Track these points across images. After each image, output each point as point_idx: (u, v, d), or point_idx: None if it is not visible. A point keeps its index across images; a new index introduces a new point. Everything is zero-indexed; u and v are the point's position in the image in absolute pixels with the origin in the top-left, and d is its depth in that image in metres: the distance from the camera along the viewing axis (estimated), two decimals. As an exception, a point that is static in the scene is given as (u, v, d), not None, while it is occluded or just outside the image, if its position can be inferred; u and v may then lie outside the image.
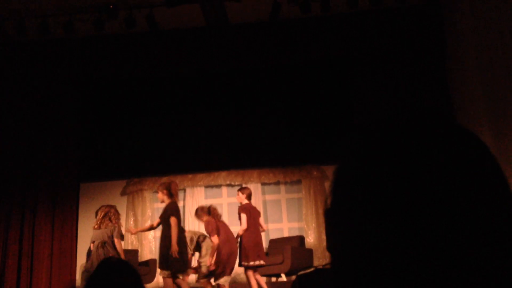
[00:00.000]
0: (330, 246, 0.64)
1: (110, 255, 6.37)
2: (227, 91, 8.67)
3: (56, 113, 8.41)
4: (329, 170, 9.00)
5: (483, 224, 0.56)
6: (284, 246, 8.17)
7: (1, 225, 7.98)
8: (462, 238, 0.55)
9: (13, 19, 7.50)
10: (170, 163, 8.62)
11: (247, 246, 6.93)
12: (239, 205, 7.27)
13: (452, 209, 0.55)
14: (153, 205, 9.52)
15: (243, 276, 7.47)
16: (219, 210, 9.45)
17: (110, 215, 6.87)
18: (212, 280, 7.22)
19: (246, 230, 6.95)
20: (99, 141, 8.63)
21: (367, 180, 0.59)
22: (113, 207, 7.14)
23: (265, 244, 8.94)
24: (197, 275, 7.51)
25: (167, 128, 8.62)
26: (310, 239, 9.18)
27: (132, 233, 8.23)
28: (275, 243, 8.74)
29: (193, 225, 9.43)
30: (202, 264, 7.31)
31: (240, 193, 7.25)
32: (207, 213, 7.30)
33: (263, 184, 9.59)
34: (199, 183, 9.57)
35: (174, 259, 6.56)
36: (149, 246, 9.55)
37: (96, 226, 6.87)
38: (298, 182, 9.53)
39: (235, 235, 7.23)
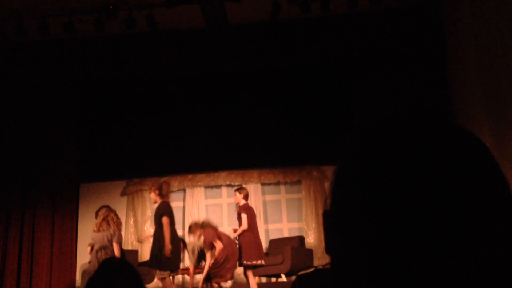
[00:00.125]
0: (330, 247, 0.64)
1: None
2: (227, 92, 8.67)
3: (56, 113, 8.41)
4: (329, 171, 9.01)
5: (483, 224, 0.56)
6: (284, 247, 8.18)
7: (1, 225, 7.98)
8: (462, 238, 0.55)
9: (13, 19, 7.50)
10: (170, 163, 8.62)
11: (247, 246, 6.94)
12: (238, 205, 7.29)
13: (452, 209, 0.55)
14: (153, 206, 9.51)
15: (243, 276, 7.48)
16: (219, 210, 9.47)
17: (108, 219, 6.88)
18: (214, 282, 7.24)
19: (246, 230, 6.97)
20: (99, 142, 8.62)
21: (367, 181, 0.59)
22: (112, 210, 7.15)
23: (265, 245, 8.94)
24: (194, 275, 7.55)
25: (167, 128, 8.62)
26: (310, 240, 9.18)
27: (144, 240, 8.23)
28: (275, 243, 8.74)
29: (193, 226, 9.43)
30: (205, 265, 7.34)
31: (237, 193, 7.26)
32: (201, 227, 7.36)
33: (263, 184, 9.60)
34: (199, 183, 9.58)
35: (166, 258, 6.59)
36: (149, 247, 9.54)
37: (95, 229, 6.88)
38: (298, 182, 9.54)
39: (232, 235, 7.30)
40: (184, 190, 9.67)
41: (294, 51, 8.05)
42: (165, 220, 6.67)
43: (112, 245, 6.74)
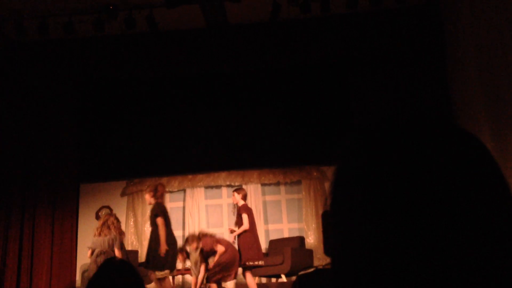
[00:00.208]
0: (329, 248, 0.64)
1: None
2: (227, 92, 8.67)
3: (56, 113, 8.42)
4: (329, 171, 9.01)
5: (482, 225, 0.56)
6: (284, 247, 8.18)
7: (1, 225, 7.98)
8: (462, 238, 0.55)
9: (13, 19, 7.50)
10: (170, 163, 8.62)
11: (248, 246, 6.96)
12: (236, 206, 7.31)
13: (451, 209, 0.55)
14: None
15: (241, 276, 7.49)
16: (219, 210, 9.47)
17: (109, 223, 6.90)
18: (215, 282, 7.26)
19: (246, 231, 6.99)
20: (99, 142, 8.62)
21: (367, 181, 0.59)
22: (113, 214, 7.18)
23: (265, 245, 8.94)
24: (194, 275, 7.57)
25: (167, 128, 8.62)
26: (310, 240, 9.18)
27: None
28: (275, 243, 8.74)
29: (193, 225, 9.44)
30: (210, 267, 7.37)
31: (236, 194, 7.28)
32: (198, 238, 7.39)
33: (263, 184, 9.60)
34: (199, 183, 9.58)
35: (162, 258, 6.63)
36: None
37: (96, 234, 6.90)
38: (298, 182, 9.54)
39: (229, 236, 7.35)
40: (184, 190, 9.67)
41: (294, 51, 8.05)
42: (159, 220, 6.72)
43: (112, 249, 6.77)
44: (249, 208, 7.28)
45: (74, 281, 8.09)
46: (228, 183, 9.57)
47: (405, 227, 0.55)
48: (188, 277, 8.93)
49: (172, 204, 9.67)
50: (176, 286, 8.85)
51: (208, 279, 7.27)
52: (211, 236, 7.53)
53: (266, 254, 8.45)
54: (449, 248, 0.54)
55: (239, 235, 7.07)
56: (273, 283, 8.42)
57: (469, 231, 0.55)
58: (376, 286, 0.56)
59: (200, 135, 8.54)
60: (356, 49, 7.96)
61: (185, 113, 8.64)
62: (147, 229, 9.64)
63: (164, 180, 9.46)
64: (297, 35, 8.03)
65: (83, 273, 8.21)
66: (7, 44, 8.09)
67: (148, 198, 7.01)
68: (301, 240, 8.70)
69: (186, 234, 9.36)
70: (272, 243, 8.80)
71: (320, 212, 9.18)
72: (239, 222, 7.11)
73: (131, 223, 9.63)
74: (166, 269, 6.77)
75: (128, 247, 9.33)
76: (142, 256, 9.15)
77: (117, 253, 6.81)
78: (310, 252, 8.57)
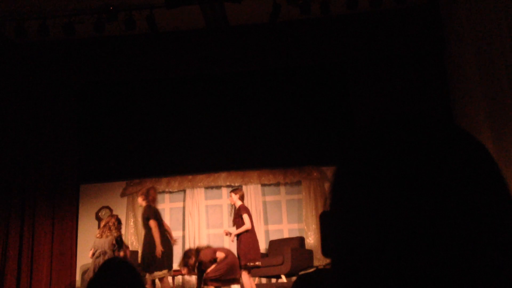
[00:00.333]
0: (328, 249, 0.64)
1: None
2: (226, 93, 8.67)
3: (56, 114, 8.42)
4: (329, 171, 9.01)
5: (482, 225, 0.56)
6: (284, 247, 8.17)
7: (1, 226, 7.98)
8: (462, 239, 0.55)
9: (13, 20, 7.50)
10: (170, 164, 8.62)
11: (247, 246, 6.95)
12: (234, 206, 7.32)
13: (451, 210, 0.56)
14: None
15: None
16: (219, 211, 9.46)
17: (110, 225, 7.01)
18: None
19: (247, 231, 6.99)
20: (99, 142, 8.63)
21: (366, 181, 0.59)
22: (114, 216, 7.24)
23: (265, 245, 8.94)
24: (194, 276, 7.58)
25: (167, 129, 8.62)
26: (310, 240, 9.18)
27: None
28: (275, 244, 8.73)
29: (193, 226, 9.43)
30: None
31: (233, 195, 7.28)
32: (195, 252, 7.41)
33: (263, 185, 9.59)
34: (199, 184, 9.57)
35: (159, 260, 6.69)
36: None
37: (98, 236, 6.98)
38: (298, 183, 9.53)
39: (225, 237, 7.39)
40: (184, 191, 9.66)
41: (294, 52, 8.05)
42: (152, 223, 6.84)
43: (112, 251, 6.82)
44: (248, 208, 7.30)
45: (74, 281, 8.09)
46: (228, 183, 9.56)
47: (404, 227, 0.56)
48: (188, 277, 8.93)
49: (172, 204, 9.67)
50: (176, 286, 8.84)
51: (205, 281, 7.26)
52: (209, 247, 7.60)
53: (266, 255, 8.44)
54: (449, 248, 0.55)
55: (238, 236, 7.06)
56: (273, 283, 8.42)
57: (468, 231, 0.55)
58: (376, 286, 0.56)
59: (200, 135, 8.54)
60: (356, 49, 7.96)
61: (185, 113, 8.65)
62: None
63: (164, 180, 9.46)
64: (297, 36, 8.03)
65: (83, 273, 8.21)
66: (7, 45, 8.09)
67: (140, 201, 7.15)
68: (301, 240, 8.70)
69: (186, 235, 9.37)
70: (272, 244, 8.79)
71: (320, 212, 9.16)
72: (237, 223, 7.12)
73: (131, 224, 9.61)
74: (164, 269, 6.83)
75: (128, 247, 9.32)
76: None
77: (118, 254, 6.87)
78: (310, 252, 8.56)
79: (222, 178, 9.56)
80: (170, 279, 8.10)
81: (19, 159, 8.19)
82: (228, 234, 7.30)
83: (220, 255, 7.24)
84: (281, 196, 9.65)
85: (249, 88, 8.66)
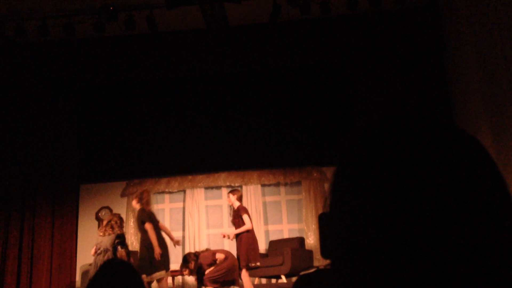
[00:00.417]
0: (328, 250, 0.64)
1: None
2: (227, 93, 8.68)
3: (56, 114, 8.42)
4: (329, 172, 9.00)
5: (482, 225, 0.56)
6: (284, 248, 8.16)
7: (1, 226, 7.98)
8: (462, 239, 0.55)
9: (13, 20, 7.50)
10: (170, 164, 8.62)
11: (247, 247, 6.96)
12: (232, 207, 7.33)
13: (451, 210, 0.56)
14: (153, 207, 9.51)
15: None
16: (219, 211, 9.46)
17: (112, 223, 7.04)
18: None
19: (248, 231, 7.00)
20: (99, 143, 8.63)
21: (366, 182, 0.59)
22: (116, 215, 7.27)
23: (265, 246, 8.94)
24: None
25: (167, 129, 8.63)
26: (310, 241, 9.17)
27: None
28: (275, 244, 8.73)
29: (193, 226, 9.43)
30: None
31: (231, 195, 7.29)
32: (194, 256, 7.42)
33: (263, 185, 9.58)
34: (199, 184, 9.57)
35: (157, 261, 6.73)
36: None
37: (101, 234, 7.01)
38: (298, 183, 9.52)
39: (224, 238, 7.41)
40: (184, 191, 9.65)
41: (294, 52, 8.05)
42: (148, 226, 6.88)
43: (114, 249, 6.85)
44: (247, 209, 7.32)
45: (74, 281, 8.09)
46: (228, 183, 9.55)
47: (404, 227, 0.56)
48: (187, 278, 8.93)
49: (172, 205, 9.66)
50: (176, 286, 8.84)
51: (205, 283, 7.26)
52: (208, 250, 7.61)
53: (266, 255, 8.44)
54: (449, 248, 0.55)
55: (238, 236, 7.06)
56: (273, 284, 8.41)
57: (468, 232, 0.55)
58: (377, 287, 0.56)
59: (200, 136, 8.54)
60: (356, 50, 7.97)
61: (185, 114, 8.65)
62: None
63: (164, 180, 9.45)
64: (297, 36, 8.03)
65: (83, 273, 8.22)
66: (7, 45, 8.09)
67: (134, 204, 7.18)
68: (301, 241, 8.69)
69: (186, 235, 9.36)
70: (272, 244, 8.79)
71: (320, 212, 9.15)
72: (236, 223, 7.12)
73: (131, 224, 9.60)
74: (162, 270, 6.89)
75: (129, 247, 9.32)
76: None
77: (120, 251, 6.90)
78: (310, 253, 8.55)
79: (222, 178, 9.55)
80: (170, 279, 8.11)
81: (19, 159, 8.19)
82: (226, 236, 7.32)
83: (220, 256, 7.24)
84: (281, 197, 9.64)
85: (249, 88, 8.66)
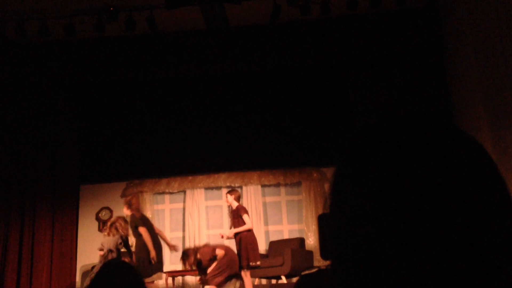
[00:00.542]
0: (328, 250, 0.64)
1: None
2: (227, 93, 8.68)
3: (56, 114, 8.42)
4: (329, 172, 9.00)
5: (482, 226, 0.56)
6: (284, 248, 8.16)
7: (1, 226, 7.98)
8: (462, 240, 0.55)
9: (14, 21, 7.51)
10: (170, 165, 8.63)
11: (247, 247, 6.96)
12: (230, 207, 7.34)
13: (451, 211, 0.56)
14: (153, 207, 9.53)
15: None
16: (219, 211, 9.46)
17: (117, 225, 7.11)
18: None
19: (248, 230, 7.01)
20: (99, 143, 8.63)
21: (366, 182, 0.59)
22: (121, 217, 7.31)
23: (265, 246, 8.94)
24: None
25: (167, 130, 8.63)
26: (310, 241, 9.17)
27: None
28: (275, 245, 8.73)
29: (193, 227, 9.43)
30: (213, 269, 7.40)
31: (229, 196, 7.29)
32: (194, 251, 7.45)
33: (263, 186, 9.58)
34: (199, 185, 9.57)
35: (154, 264, 6.80)
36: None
37: (106, 234, 7.08)
38: (298, 184, 9.52)
39: (222, 239, 7.43)
40: (184, 191, 9.66)
41: (294, 53, 8.05)
42: (141, 229, 6.99)
43: (118, 249, 6.89)
44: (246, 209, 7.34)
45: (74, 282, 8.09)
46: (228, 184, 9.55)
47: (405, 228, 0.56)
48: (187, 278, 8.93)
49: (172, 205, 9.66)
50: (176, 286, 8.84)
51: (207, 281, 7.27)
52: (208, 245, 7.61)
53: (266, 256, 8.44)
54: (449, 248, 0.55)
55: (237, 235, 7.06)
56: (273, 284, 8.42)
57: (468, 232, 0.55)
58: (377, 287, 0.56)
59: (200, 136, 8.54)
60: (356, 50, 7.97)
61: (185, 114, 8.65)
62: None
63: (164, 181, 9.45)
64: (297, 36, 8.03)
65: (83, 274, 8.22)
66: (7, 45, 8.09)
67: (125, 210, 7.29)
68: (301, 241, 8.69)
69: (186, 235, 9.36)
70: (272, 245, 8.79)
71: (320, 213, 9.15)
72: (236, 223, 7.12)
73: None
74: (157, 271, 7.05)
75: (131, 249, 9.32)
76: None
77: (123, 253, 6.98)
78: (310, 253, 8.55)
79: (222, 179, 9.55)
80: (170, 279, 8.12)
81: (19, 159, 8.19)
82: (224, 237, 7.34)
83: (219, 252, 7.25)
84: (281, 197, 9.64)
85: (249, 88, 8.66)
